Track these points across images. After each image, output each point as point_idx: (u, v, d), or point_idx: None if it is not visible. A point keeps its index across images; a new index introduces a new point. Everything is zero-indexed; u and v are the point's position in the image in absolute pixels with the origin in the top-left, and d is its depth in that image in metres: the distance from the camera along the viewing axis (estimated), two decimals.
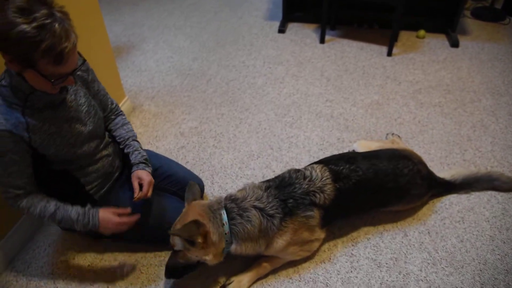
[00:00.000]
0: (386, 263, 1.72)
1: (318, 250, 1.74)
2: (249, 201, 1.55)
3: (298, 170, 1.68)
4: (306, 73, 3.01)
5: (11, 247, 1.79)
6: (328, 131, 2.45)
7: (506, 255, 1.74)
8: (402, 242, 1.81)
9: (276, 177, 1.68)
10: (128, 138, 1.74)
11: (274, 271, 1.70)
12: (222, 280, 1.68)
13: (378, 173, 1.72)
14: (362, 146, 2.11)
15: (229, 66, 3.12)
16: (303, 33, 3.54)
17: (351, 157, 1.76)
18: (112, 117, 1.79)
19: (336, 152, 2.29)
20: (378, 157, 1.79)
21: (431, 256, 1.75)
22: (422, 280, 1.66)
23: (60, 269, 1.75)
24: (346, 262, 1.74)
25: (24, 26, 1.14)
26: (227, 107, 2.68)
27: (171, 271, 1.53)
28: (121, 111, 1.83)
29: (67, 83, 1.34)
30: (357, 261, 1.74)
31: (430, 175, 1.90)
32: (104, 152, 1.66)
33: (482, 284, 1.64)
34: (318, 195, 1.61)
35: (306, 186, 1.61)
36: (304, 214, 1.59)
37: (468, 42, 3.31)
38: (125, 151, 1.73)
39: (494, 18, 3.60)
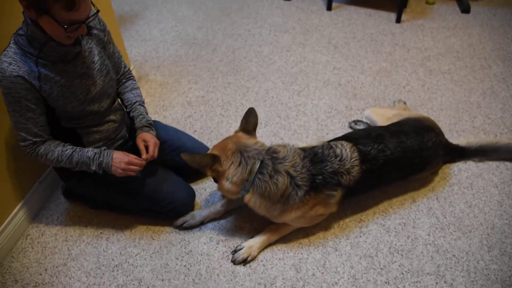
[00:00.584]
0: (395, 228, 1.74)
1: (327, 217, 1.76)
2: (286, 164, 1.54)
3: (330, 147, 1.65)
4: (313, 40, 2.96)
5: (34, 203, 1.86)
6: (336, 99, 2.43)
7: None
8: (411, 207, 1.82)
9: (311, 149, 1.65)
10: (135, 102, 1.74)
11: (284, 237, 1.72)
12: (232, 246, 1.70)
13: (406, 151, 1.70)
14: (376, 114, 2.08)
15: (234, 35, 3.07)
16: (309, 0, 3.46)
17: (379, 135, 1.72)
18: (124, 80, 1.79)
19: (344, 120, 2.28)
20: (405, 132, 1.75)
21: (439, 221, 1.76)
22: (430, 244, 1.68)
23: (74, 237, 1.78)
24: (355, 227, 1.76)
25: None
26: (234, 76, 2.65)
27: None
28: (133, 76, 1.82)
29: (80, 32, 1.34)
30: (366, 226, 1.76)
31: (448, 144, 1.90)
32: (112, 117, 1.66)
33: (490, 248, 1.66)
34: (345, 177, 1.60)
35: (337, 166, 1.59)
36: (329, 193, 1.59)
37: (480, 8, 3.22)
38: (131, 114, 1.74)
39: None
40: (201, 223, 1.78)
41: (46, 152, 1.48)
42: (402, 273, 1.59)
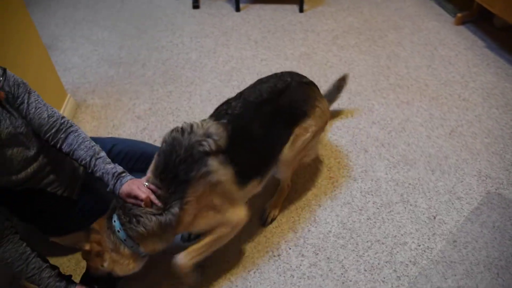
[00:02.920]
0: (359, 176, 2.05)
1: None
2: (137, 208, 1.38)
3: (176, 132, 1.44)
4: (234, 40, 3.19)
5: None
6: None
7: (441, 146, 2.17)
8: (365, 157, 2.15)
9: (152, 165, 1.44)
10: (91, 158, 1.46)
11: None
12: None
13: (262, 92, 1.59)
14: None
15: (158, 47, 3.16)
16: (217, 5, 3.68)
17: (227, 100, 1.62)
18: (62, 136, 1.47)
19: None
20: (260, 81, 1.71)
21: (390, 162, 2.12)
22: (390, 180, 2.02)
23: None
24: (328, 184, 2.03)
25: None
26: (173, 85, 2.76)
27: (85, 282, 1.51)
28: (70, 122, 1.51)
29: None
30: (336, 181, 2.04)
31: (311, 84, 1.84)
32: (59, 157, 1.59)
33: (433, 171, 2.05)
34: (204, 142, 1.39)
35: (187, 141, 1.39)
36: (200, 173, 1.36)
37: None
38: (95, 175, 1.47)
39: None
40: None
41: (5, 258, 1.35)
42: (377, 208, 1.90)
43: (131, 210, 1.38)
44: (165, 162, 1.39)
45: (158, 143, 2.23)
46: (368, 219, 1.86)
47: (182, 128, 1.44)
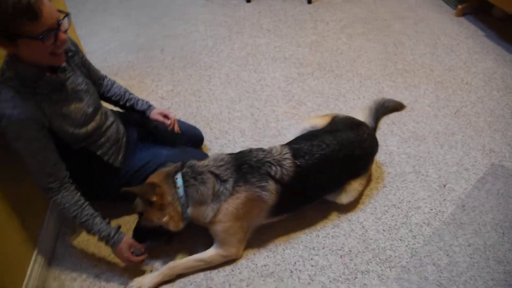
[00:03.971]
0: None
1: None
2: (206, 166, 1.63)
3: (259, 148, 1.73)
4: (247, 28, 3.34)
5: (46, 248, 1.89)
6: (288, 69, 2.85)
7: (448, 124, 2.35)
8: (378, 133, 2.30)
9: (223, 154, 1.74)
10: (124, 93, 1.91)
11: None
12: None
13: (343, 144, 1.75)
14: (310, 122, 2.06)
15: (174, 35, 3.30)
16: None
17: (311, 135, 1.80)
18: (100, 82, 1.87)
19: (301, 85, 2.70)
20: (339, 129, 1.83)
21: (401, 137, 2.29)
22: (402, 154, 2.19)
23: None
24: None
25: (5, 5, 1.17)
26: (192, 68, 2.90)
27: (138, 234, 1.70)
28: (104, 74, 1.92)
29: (60, 42, 1.34)
30: None
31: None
32: (108, 122, 1.78)
33: (441, 145, 2.22)
34: (274, 168, 1.62)
35: (262, 156, 1.65)
36: (259, 184, 1.60)
37: None
38: (127, 104, 1.89)
39: None
40: None
41: (63, 203, 1.52)
42: (392, 178, 2.07)
43: (198, 168, 1.61)
44: (236, 156, 1.67)
45: (184, 120, 2.39)
46: (384, 187, 2.02)
47: (263, 149, 1.71)
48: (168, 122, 1.86)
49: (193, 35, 3.28)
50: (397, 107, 2.46)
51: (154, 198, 1.54)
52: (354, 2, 3.63)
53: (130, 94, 1.93)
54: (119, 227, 1.63)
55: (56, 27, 1.30)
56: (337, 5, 3.60)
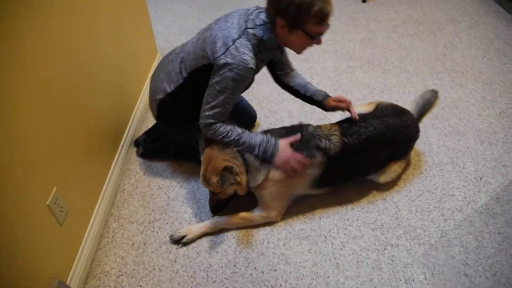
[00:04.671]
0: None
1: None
2: None
3: (309, 124, 1.88)
4: None
5: (120, 164, 2.15)
6: (337, 61, 2.98)
7: (491, 123, 2.40)
8: (420, 126, 2.40)
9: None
10: (306, 85, 2.02)
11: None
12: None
13: (389, 128, 1.87)
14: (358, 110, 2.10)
15: None
16: None
17: (361, 117, 1.89)
18: (288, 71, 2.04)
19: (349, 76, 2.83)
20: (386, 115, 1.93)
21: (442, 131, 2.37)
22: (441, 146, 2.27)
23: (165, 184, 2.13)
24: None
25: None
26: None
27: (216, 208, 1.86)
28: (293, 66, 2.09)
29: (318, 42, 1.64)
30: None
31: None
32: None
33: (481, 142, 2.28)
34: (323, 141, 1.77)
35: (312, 129, 1.80)
36: (307, 154, 1.76)
37: None
38: (307, 94, 2.00)
39: None
40: (198, 238, 1.88)
41: (222, 129, 1.70)
42: (429, 166, 2.16)
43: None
44: (288, 129, 1.86)
45: None
46: (420, 173, 2.12)
47: (313, 124, 1.87)
48: (343, 105, 1.89)
49: None
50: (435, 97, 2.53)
51: (238, 180, 1.70)
52: (409, 4, 3.70)
53: (310, 85, 2.02)
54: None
55: (322, 33, 1.61)
56: (391, 5, 3.69)
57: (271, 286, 1.69)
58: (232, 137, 1.71)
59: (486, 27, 3.29)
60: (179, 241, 1.86)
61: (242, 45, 1.59)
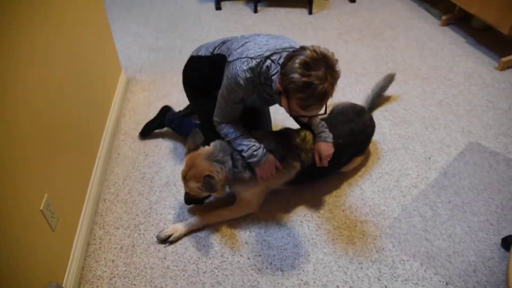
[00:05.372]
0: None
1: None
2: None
3: (299, 130, 2.04)
4: None
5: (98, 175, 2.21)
6: None
7: (432, 111, 2.72)
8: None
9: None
10: (317, 124, 2.01)
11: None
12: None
13: (355, 135, 2.11)
14: None
15: (190, 39, 3.68)
16: (236, 8, 4.24)
17: (328, 123, 2.01)
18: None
19: None
20: (351, 120, 2.13)
21: (392, 122, 2.65)
22: (393, 134, 2.55)
23: (145, 190, 2.22)
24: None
25: (297, 76, 1.45)
26: None
27: (191, 202, 2.03)
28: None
29: (303, 120, 1.80)
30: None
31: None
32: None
33: (426, 128, 2.58)
34: (302, 154, 1.96)
35: (294, 141, 1.97)
36: (285, 164, 1.94)
37: None
38: (312, 128, 2.03)
39: None
40: (183, 236, 1.99)
41: (225, 131, 1.89)
42: (385, 152, 2.42)
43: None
44: (272, 134, 2.05)
45: None
46: (378, 159, 2.37)
47: (298, 131, 2.03)
48: (318, 162, 1.95)
49: (207, 39, 3.66)
50: (391, 79, 2.77)
51: (218, 187, 1.80)
52: (351, 14, 4.06)
53: (320, 125, 2.00)
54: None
55: (306, 116, 1.70)
56: (335, 15, 4.03)
57: (258, 269, 1.84)
58: (229, 139, 1.90)
59: (419, 31, 3.70)
60: (165, 240, 1.95)
61: (249, 64, 1.68)
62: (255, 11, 4.12)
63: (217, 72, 1.89)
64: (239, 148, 1.88)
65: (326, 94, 1.49)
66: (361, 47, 3.50)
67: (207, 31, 3.81)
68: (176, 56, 3.42)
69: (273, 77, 1.67)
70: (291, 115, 1.73)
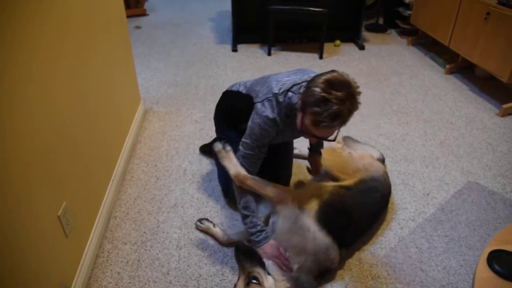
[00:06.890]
0: None
1: None
2: None
3: None
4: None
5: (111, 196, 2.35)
6: None
7: (433, 151, 2.84)
8: None
9: None
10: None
11: None
12: None
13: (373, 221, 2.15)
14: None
15: (206, 76, 3.93)
16: (251, 51, 4.53)
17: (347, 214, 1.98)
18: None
19: None
20: (376, 212, 2.15)
21: (393, 159, 2.76)
22: (394, 171, 2.65)
23: (154, 209, 2.35)
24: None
25: (318, 90, 1.49)
26: None
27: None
28: None
29: (310, 139, 1.82)
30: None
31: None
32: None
33: (427, 166, 2.69)
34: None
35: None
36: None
37: (370, 46, 4.65)
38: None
39: (380, 30, 5.05)
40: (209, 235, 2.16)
41: (243, 201, 1.87)
42: None
43: None
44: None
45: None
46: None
47: None
48: (312, 166, 2.28)
49: (222, 77, 3.91)
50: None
51: None
52: (359, 60, 4.29)
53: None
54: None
55: (317, 137, 1.68)
56: (344, 61, 4.27)
57: None
58: (242, 212, 1.89)
59: (424, 78, 3.89)
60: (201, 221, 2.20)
61: (274, 102, 1.75)
62: (269, 53, 4.39)
63: (243, 107, 1.95)
64: (247, 226, 1.87)
65: (340, 116, 1.50)
66: (368, 90, 3.68)
67: (223, 70, 4.07)
68: (191, 91, 3.65)
69: (296, 106, 1.71)
70: (300, 131, 1.70)
